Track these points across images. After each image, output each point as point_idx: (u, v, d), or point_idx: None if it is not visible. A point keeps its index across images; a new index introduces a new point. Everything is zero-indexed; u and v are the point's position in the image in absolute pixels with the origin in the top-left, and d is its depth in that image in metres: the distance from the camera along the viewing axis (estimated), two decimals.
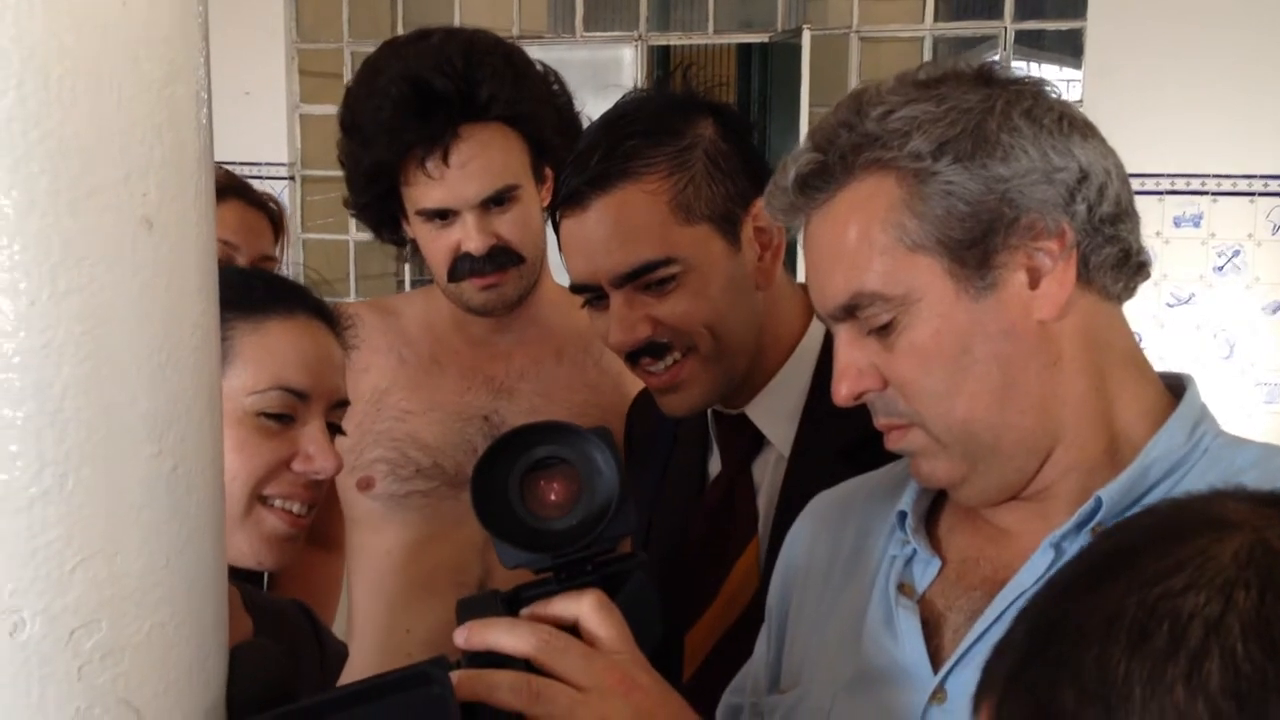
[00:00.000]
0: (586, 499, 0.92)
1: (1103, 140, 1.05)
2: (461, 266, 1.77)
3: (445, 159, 1.71)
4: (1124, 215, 1.04)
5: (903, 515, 1.13)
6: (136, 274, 0.74)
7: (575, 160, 1.41)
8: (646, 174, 1.38)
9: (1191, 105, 4.57)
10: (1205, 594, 0.57)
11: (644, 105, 1.46)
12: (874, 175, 1.03)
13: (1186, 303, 4.71)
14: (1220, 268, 4.72)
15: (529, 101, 1.75)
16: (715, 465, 1.52)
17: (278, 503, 1.24)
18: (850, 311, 1.05)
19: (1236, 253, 4.71)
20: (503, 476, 0.92)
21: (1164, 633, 0.57)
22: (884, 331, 1.04)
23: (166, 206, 0.75)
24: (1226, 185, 4.68)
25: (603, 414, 1.76)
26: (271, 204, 2.28)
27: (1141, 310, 4.69)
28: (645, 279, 1.38)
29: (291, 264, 2.24)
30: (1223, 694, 0.54)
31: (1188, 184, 4.71)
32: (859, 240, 1.03)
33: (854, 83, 5.20)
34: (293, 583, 2.04)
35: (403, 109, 1.70)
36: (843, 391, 1.06)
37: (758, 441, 1.47)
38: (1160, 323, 4.72)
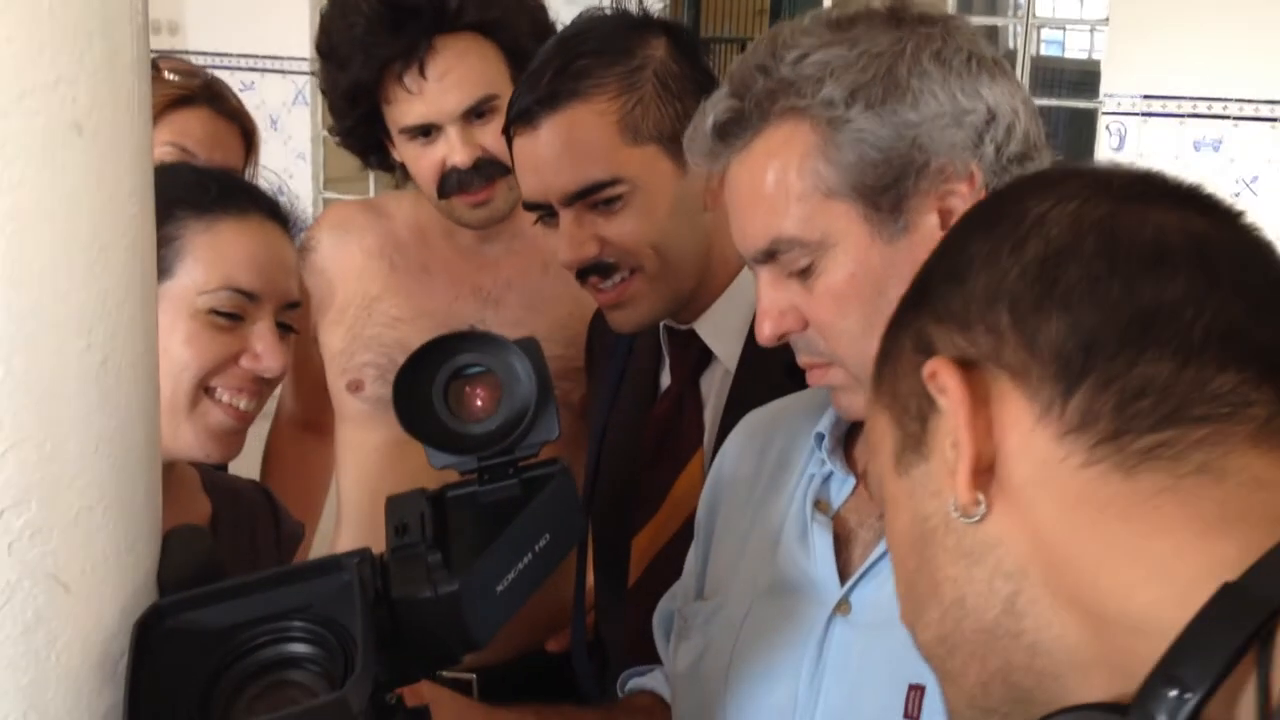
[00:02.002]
0: (506, 405, 0.96)
1: (1011, 77, 1.08)
2: (450, 181, 1.79)
3: (422, 72, 1.73)
4: (1032, 152, 1.07)
5: (820, 436, 1.18)
6: (66, 175, 0.77)
7: (528, 79, 1.44)
8: (595, 94, 1.41)
9: (1215, 28, 4.51)
10: (1049, 201, 0.71)
11: (597, 25, 1.48)
12: (789, 122, 1.06)
13: None
14: (1239, 194, 4.69)
15: (500, 9, 1.76)
16: (667, 378, 1.56)
17: (224, 396, 1.28)
18: (770, 255, 1.08)
19: (1255, 178, 4.67)
20: (426, 382, 0.96)
21: (1006, 224, 0.72)
22: (803, 274, 1.07)
23: (97, 111, 0.79)
24: (1249, 110, 4.63)
25: (585, 327, 1.79)
26: (246, 119, 2.23)
27: None
28: (593, 198, 1.41)
29: (261, 171, 2.19)
30: (1034, 261, 0.69)
31: (1209, 108, 4.66)
32: (776, 186, 1.06)
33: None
34: (288, 466, 2.11)
35: (375, 25, 1.72)
36: (765, 332, 1.10)
37: (706, 356, 1.51)
38: None
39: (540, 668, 1.83)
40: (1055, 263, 0.68)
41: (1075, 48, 10.22)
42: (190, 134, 2.07)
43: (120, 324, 0.82)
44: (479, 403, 0.97)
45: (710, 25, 10.22)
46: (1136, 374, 0.65)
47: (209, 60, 5.67)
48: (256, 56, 5.64)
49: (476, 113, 1.76)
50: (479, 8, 1.74)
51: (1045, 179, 0.79)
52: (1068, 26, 10.40)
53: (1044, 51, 9.58)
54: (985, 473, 0.68)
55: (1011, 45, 6.30)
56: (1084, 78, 7.29)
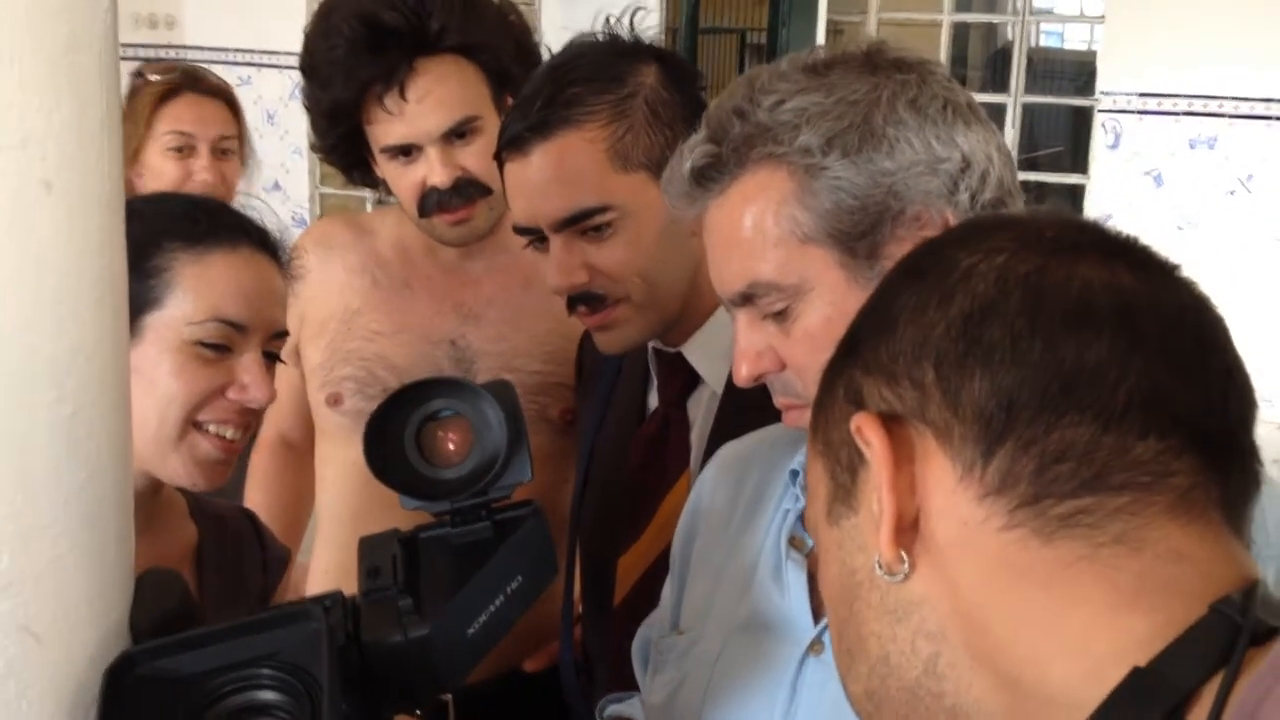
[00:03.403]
0: (478, 451, 0.98)
1: (985, 123, 1.09)
2: (429, 201, 1.80)
3: (403, 94, 1.73)
4: (1006, 198, 1.08)
5: (795, 473, 1.18)
6: (35, 232, 0.78)
7: (519, 105, 1.45)
8: (586, 122, 1.41)
9: (1211, 26, 4.51)
10: (978, 254, 0.71)
11: (589, 52, 1.48)
12: (766, 168, 1.07)
13: (1197, 226, 4.69)
14: (1233, 191, 4.69)
15: (483, 31, 1.77)
16: (655, 399, 1.57)
17: (211, 428, 1.29)
18: (747, 298, 1.09)
19: (1250, 177, 4.67)
20: (398, 429, 0.97)
21: (935, 276, 0.72)
22: (780, 317, 1.08)
23: (67, 168, 0.79)
24: (1244, 108, 4.63)
25: (565, 343, 1.81)
26: (227, 90, 2.60)
27: (1151, 234, 4.66)
28: (583, 224, 1.42)
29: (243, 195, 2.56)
30: (959, 316, 0.69)
31: (1205, 105, 4.66)
32: (754, 231, 1.07)
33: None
34: (270, 484, 2.12)
35: (356, 47, 1.72)
36: (743, 373, 1.11)
37: (694, 379, 1.52)
38: (1170, 246, 4.70)
39: (518, 687, 1.84)
40: (980, 319, 0.68)
41: (1075, 39, 10.21)
42: (183, 119, 2.46)
43: (91, 376, 0.83)
44: (451, 446, 0.98)
45: (710, 15, 10.19)
46: (1056, 438, 0.65)
47: (205, 55, 5.66)
48: (253, 51, 5.63)
49: (457, 133, 1.77)
50: (460, 31, 1.74)
51: (977, 229, 0.78)
52: (1065, 24, 10.37)
53: (1043, 42, 9.56)
54: (909, 531, 0.69)
55: (1010, 36, 6.29)
56: (1082, 69, 7.28)
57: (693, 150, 1.10)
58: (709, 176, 1.09)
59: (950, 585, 0.68)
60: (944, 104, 1.06)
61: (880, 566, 0.70)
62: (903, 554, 0.69)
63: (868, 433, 0.70)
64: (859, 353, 0.75)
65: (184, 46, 5.69)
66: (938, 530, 0.68)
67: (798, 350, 1.08)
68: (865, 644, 0.73)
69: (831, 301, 1.06)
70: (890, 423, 0.70)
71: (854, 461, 0.73)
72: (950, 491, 0.67)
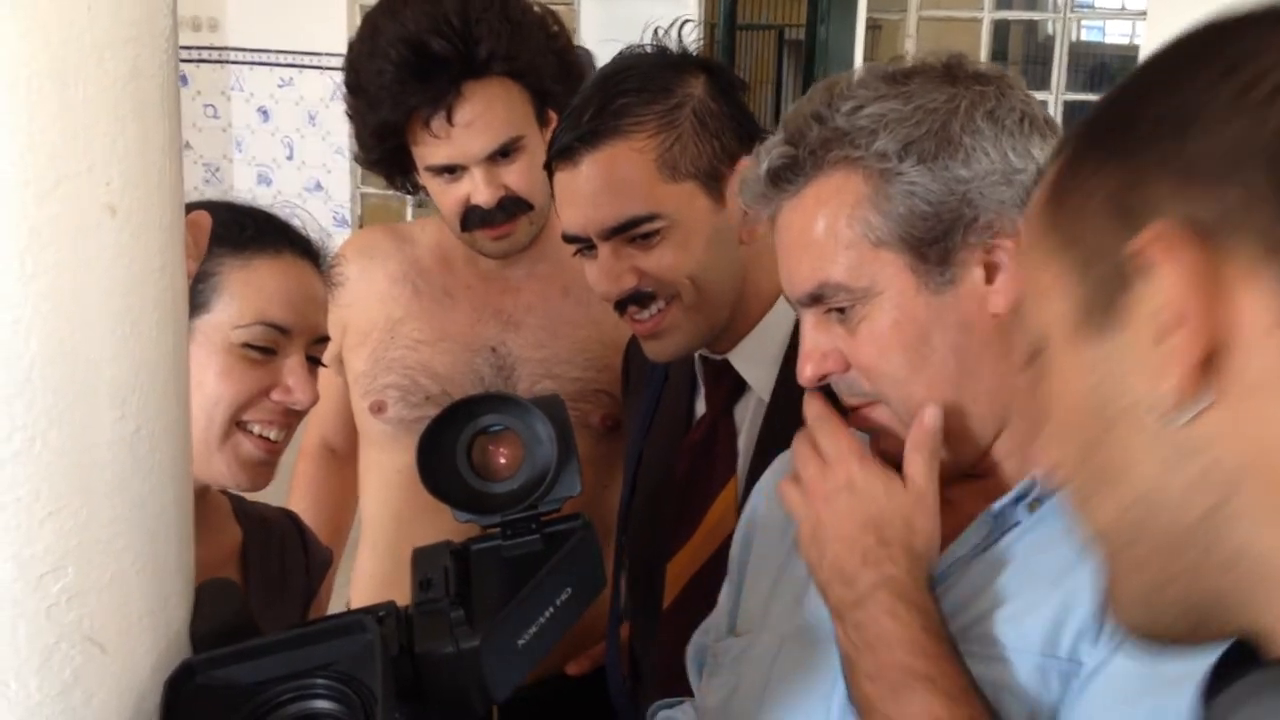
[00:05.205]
0: (528, 465, 0.99)
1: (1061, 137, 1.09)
2: (472, 217, 1.82)
3: (449, 118, 1.75)
4: None
5: None
6: (100, 255, 0.80)
7: (569, 115, 1.47)
8: (635, 132, 1.44)
9: None
10: None
11: (637, 63, 1.51)
12: (842, 171, 1.08)
13: None
14: None
15: (529, 53, 1.78)
16: (702, 406, 1.60)
17: (255, 428, 1.33)
18: (816, 299, 1.11)
19: None
20: (450, 443, 0.99)
21: (1250, 67, 0.59)
22: (848, 319, 1.10)
23: (130, 193, 0.82)
24: None
25: (604, 350, 1.82)
26: None
27: None
28: (631, 233, 1.45)
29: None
30: None
31: None
32: (826, 233, 1.09)
33: None
34: (313, 490, 2.15)
35: (403, 72, 1.74)
36: (807, 372, 1.12)
37: (740, 386, 1.54)
38: None
39: (561, 691, 1.86)
40: None
41: (1116, 34, 10.13)
42: None
43: (152, 394, 0.85)
44: (502, 460, 1.00)
45: (748, 11, 10.20)
46: None
47: (247, 56, 5.72)
48: (295, 53, 5.69)
49: (502, 153, 1.79)
50: (506, 56, 1.76)
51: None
52: (1106, 19, 10.29)
53: (1084, 37, 9.50)
54: (1205, 363, 0.59)
55: (1051, 32, 6.27)
56: (1125, 65, 7.24)
57: (770, 152, 1.12)
58: (785, 178, 1.11)
59: (1253, 430, 0.58)
60: (1021, 116, 1.07)
61: (1167, 403, 0.59)
62: (1197, 391, 0.58)
63: (1168, 245, 0.58)
64: (1139, 147, 0.62)
65: (226, 48, 5.75)
66: (1247, 368, 0.57)
67: (864, 352, 1.10)
68: (1126, 476, 0.63)
69: (899, 305, 1.07)
70: (1198, 237, 0.58)
71: (1125, 272, 0.61)
72: (1271, 325, 0.57)
